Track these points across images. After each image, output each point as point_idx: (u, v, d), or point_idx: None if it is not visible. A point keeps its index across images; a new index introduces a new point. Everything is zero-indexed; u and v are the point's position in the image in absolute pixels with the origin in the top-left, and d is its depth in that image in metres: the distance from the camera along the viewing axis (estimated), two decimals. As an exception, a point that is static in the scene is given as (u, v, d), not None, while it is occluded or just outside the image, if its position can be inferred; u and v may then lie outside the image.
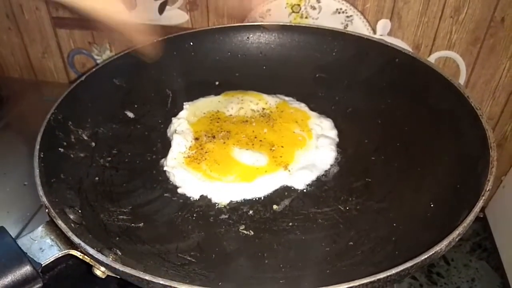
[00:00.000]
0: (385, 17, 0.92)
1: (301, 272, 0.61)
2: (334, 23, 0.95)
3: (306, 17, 0.96)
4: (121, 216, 0.68)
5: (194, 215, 0.70)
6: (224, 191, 0.72)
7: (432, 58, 0.94)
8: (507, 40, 0.89)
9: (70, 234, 0.52)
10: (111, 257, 0.53)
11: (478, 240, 0.51)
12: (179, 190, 0.73)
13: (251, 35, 0.94)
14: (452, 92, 0.74)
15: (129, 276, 0.49)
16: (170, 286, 0.47)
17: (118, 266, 0.49)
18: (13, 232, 0.75)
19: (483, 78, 0.94)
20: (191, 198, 0.72)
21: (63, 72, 1.17)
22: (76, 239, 0.52)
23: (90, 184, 0.71)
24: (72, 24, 1.09)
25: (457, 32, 0.89)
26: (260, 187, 0.73)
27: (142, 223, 0.67)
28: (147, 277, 0.48)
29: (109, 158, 0.77)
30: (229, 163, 0.75)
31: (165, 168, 0.75)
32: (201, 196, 0.72)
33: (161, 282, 0.47)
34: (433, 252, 0.50)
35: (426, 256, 0.49)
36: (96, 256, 0.50)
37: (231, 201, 0.72)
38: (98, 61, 1.12)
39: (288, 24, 0.94)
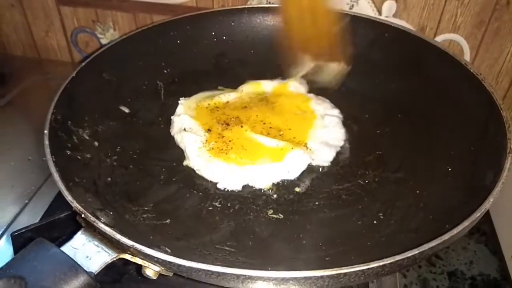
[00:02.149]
0: (390, -2, 0.91)
1: (343, 247, 0.61)
2: (340, 3, 0.93)
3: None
4: (145, 215, 0.65)
5: (218, 206, 0.68)
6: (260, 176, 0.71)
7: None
8: (512, 23, 0.88)
9: (118, 237, 0.49)
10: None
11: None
12: (205, 184, 0.71)
13: (236, 19, 0.92)
14: (448, 62, 0.77)
15: (196, 271, 0.47)
16: (244, 275, 0.46)
17: (184, 262, 0.46)
18: (18, 206, 0.78)
19: (486, 62, 0.94)
20: (214, 189, 0.71)
21: (66, 51, 1.13)
22: (128, 241, 0.48)
23: (105, 186, 0.67)
24: (76, 2, 1.05)
25: (462, 15, 0.89)
26: (289, 169, 0.72)
27: (169, 220, 0.65)
28: (218, 269, 0.46)
29: (115, 157, 0.73)
30: (255, 146, 0.74)
31: (195, 168, 0.72)
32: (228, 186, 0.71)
33: (235, 272, 0.45)
34: (483, 209, 0.52)
35: (479, 214, 0.51)
36: (155, 256, 0.47)
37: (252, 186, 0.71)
38: (102, 40, 1.08)
39: (269, 6, 0.93)
